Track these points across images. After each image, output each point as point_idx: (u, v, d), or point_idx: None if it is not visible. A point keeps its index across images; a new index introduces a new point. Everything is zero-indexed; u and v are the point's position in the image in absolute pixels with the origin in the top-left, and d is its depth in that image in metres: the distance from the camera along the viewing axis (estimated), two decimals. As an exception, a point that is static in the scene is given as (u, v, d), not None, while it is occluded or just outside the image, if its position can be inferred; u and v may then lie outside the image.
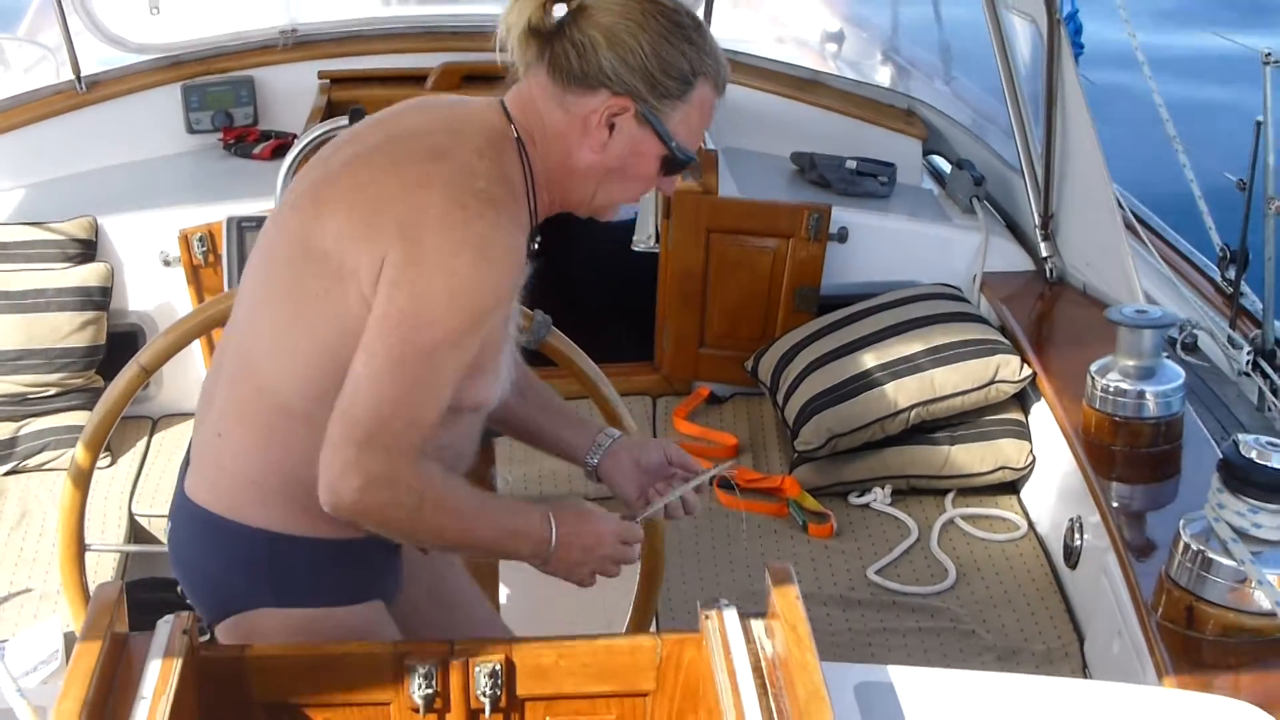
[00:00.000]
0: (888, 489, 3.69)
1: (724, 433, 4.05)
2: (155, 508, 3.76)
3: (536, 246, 2.13)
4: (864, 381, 3.70)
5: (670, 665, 1.98)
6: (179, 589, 2.32)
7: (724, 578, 3.38)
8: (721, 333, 4.28)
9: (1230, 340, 3.54)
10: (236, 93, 4.76)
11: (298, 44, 4.85)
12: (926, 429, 3.70)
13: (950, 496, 3.67)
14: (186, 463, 2.26)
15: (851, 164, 4.49)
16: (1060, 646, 3.08)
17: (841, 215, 4.18)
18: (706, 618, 1.96)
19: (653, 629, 2.92)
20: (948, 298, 3.98)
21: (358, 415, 1.96)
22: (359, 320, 1.97)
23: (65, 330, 3.91)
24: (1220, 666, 2.44)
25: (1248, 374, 3.46)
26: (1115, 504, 2.95)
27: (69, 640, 3.13)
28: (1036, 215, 4.05)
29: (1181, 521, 2.55)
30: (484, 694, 1.95)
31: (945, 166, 4.73)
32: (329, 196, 2.05)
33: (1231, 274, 3.67)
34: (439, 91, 4.20)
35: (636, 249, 4.23)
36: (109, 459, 3.91)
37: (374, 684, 1.95)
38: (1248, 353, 3.46)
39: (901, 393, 3.65)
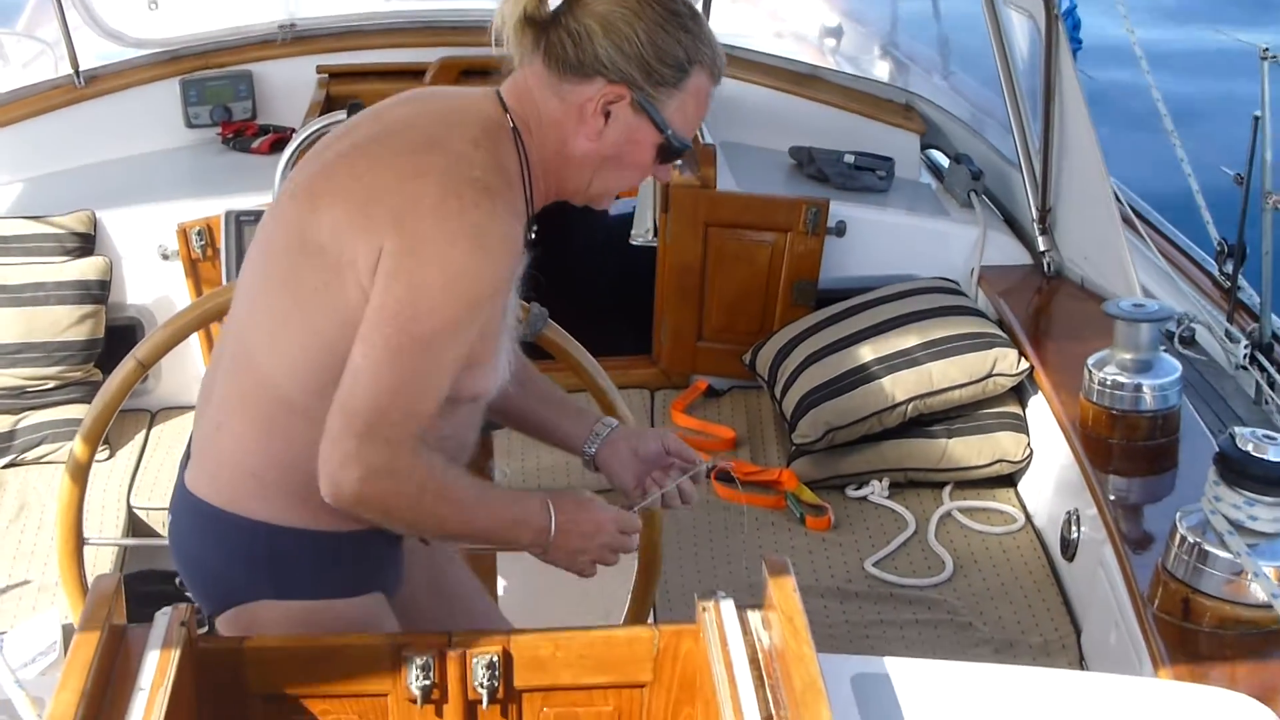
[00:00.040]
0: (885, 482, 3.69)
1: (722, 426, 4.06)
2: (154, 500, 3.76)
3: (533, 236, 2.13)
4: (862, 375, 3.70)
5: (667, 657, 1.99)
6: (177, 581, 2.32)
7: (721, 570, 3.39)
8: (720, 326, 4.28)
9: (1228, 334, 3.55)
10: (235, 87, 4.76)
11: (296, 39, 4.86)
12: (924, 422, 3.70)
13: (948, 489, 3.67)
14: (187, 456, 2.26)
15: (849, 158, 4.49)
16: (1057, 639, 3.09)
17: (839, 209, 4.18)
18: (704, 609, 1.97)
19: (650, 621, 2.92)
20: (945, 291, 3.99)
21: (357, 406, 1.96)
22: (357, 312, 1.97)
23: (64, 324, 3.91)
24: (1216, 658, 2.44)
25: (1245, 367, 3.47)
26: (1112, 497, 2.96)
27: (67, 632, 3.14)
28: (1034, 209, 4.06)
29: (1178, 514, 2.56)
30: (481, 685, 1.96)
31: (943, 161, 4.73)
32: (325, 188, 2.05)
33: (1229, 268, 3.68)
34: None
35: (635, 243, 4.24)
36: (107, 452, 3.91)
37: (371, 675, 1.96)
38: (1245, 346, 3.47)
39: (899, 386, 3.65)
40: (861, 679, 1.99)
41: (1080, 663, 2.99)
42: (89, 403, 2.77)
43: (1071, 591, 3.22)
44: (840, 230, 4.17)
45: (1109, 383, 3.11)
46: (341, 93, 4.51)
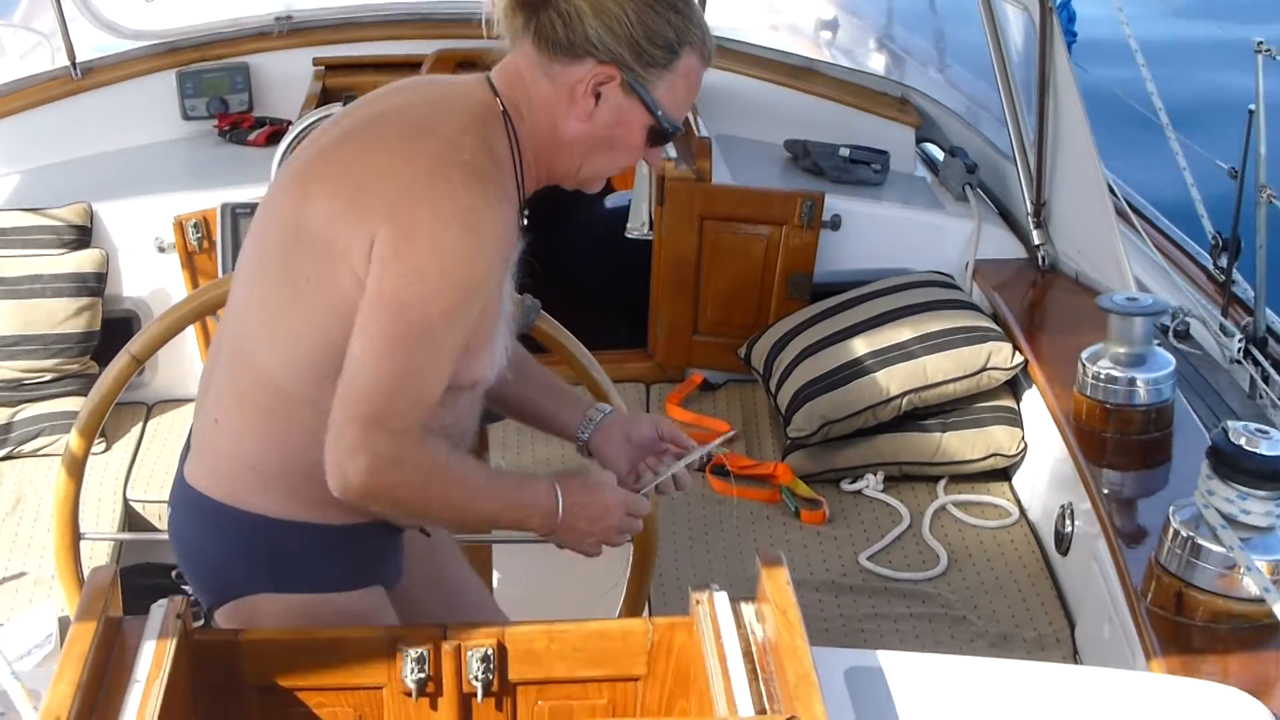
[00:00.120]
0: (880, 475, 3.70)
1: (717, 419, 4.06)
2: (150, 493, 3.76)
3: (526, 221, 2.12)
4: (856, 368, 3.70)
5: (661, 650, 1.99)
6: (174, 574, 2.33)
7: (716, 563, 3.40)
8: (715, 320, 4.29)
9: (1222, 328, 3.56)
10: (231, 79, 4.75)
11: (293, 31, 4.85)
12: (918, 416, 3.71)
13: (942, 483, 3.68)
14: (187, 449, 2.26)
15: (845, 151, 4.49)
16: (1051, 632, 3.09)
17: (835, 203, 4.18)
18: (697, 602, 1.97)
19: (645, 614, 2.92)
20: (940, 285, 3.99)
21: (359, 398, 1.95)
22: (353, 302, 1.97)
23: (60, 316, 3.91)
24: (1209, 652, 2.45)
25: (1239, 361, 3.47)
26: (1106, 491, 2.96)
27: (63, 624, 3.14)
28: (1029, 203, 4.06)
29: (1171, 508, 2.57)
30: (476, 678, 1.96)
31: (938, 154, 4.74)
32: (316, 177, 2.05)
33: (1223, 262, 3.68)
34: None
35: (630, 236, 4.25)
36: (104, 445, 3.91)
37: (367, 668, 1.96)
38: (1239, 340, 3.48)
39: (894, 380, 3.66)
40: (855, 672, 1.99)
41: (1074, 656, 3.00)
42: (85, 395, 2.78)
43: (1065, 585, 3.22)
44: (835, 224, 4.18)
45: (1103, 377, 3.12)
46: (338, 85, 4.51)
